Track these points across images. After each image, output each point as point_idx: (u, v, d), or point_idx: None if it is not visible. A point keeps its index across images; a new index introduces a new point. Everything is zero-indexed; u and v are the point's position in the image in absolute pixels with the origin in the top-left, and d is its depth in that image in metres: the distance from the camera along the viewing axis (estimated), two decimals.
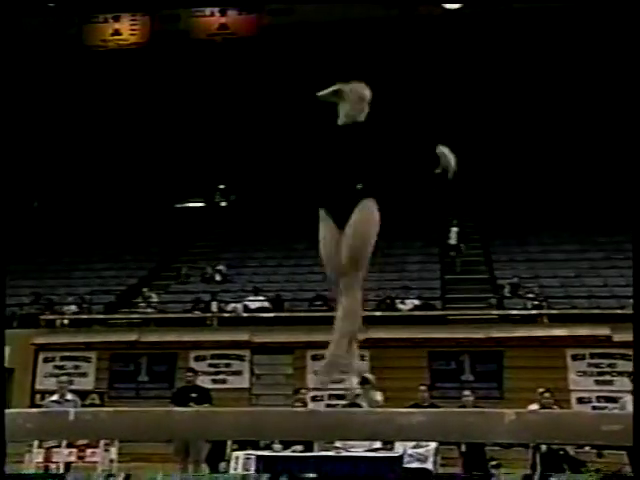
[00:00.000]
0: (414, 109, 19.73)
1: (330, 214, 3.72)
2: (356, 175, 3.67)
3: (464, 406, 9.24)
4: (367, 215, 3.65)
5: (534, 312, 14.23)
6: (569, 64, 18.56)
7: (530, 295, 14.62)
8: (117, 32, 19.45)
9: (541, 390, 9.86)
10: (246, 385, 13.94)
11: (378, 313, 14.56)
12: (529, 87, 19.16)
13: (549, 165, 19.06)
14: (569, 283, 15.79)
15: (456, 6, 18.34)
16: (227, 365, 14.04)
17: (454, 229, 17.93)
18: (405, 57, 18.81)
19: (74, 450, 10.10)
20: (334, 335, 3.66)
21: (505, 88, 19.35)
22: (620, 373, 12.42)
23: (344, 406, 9.99)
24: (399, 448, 8.76)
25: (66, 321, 15.30)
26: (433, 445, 8.90)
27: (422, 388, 10.12)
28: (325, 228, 3.75)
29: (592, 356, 13.10)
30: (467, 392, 10.02)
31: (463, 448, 9.21)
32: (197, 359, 13.94)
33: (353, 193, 3.65)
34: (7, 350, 14.38)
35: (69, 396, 10.00)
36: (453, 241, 17.78)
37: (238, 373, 13.98)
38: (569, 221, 17.83)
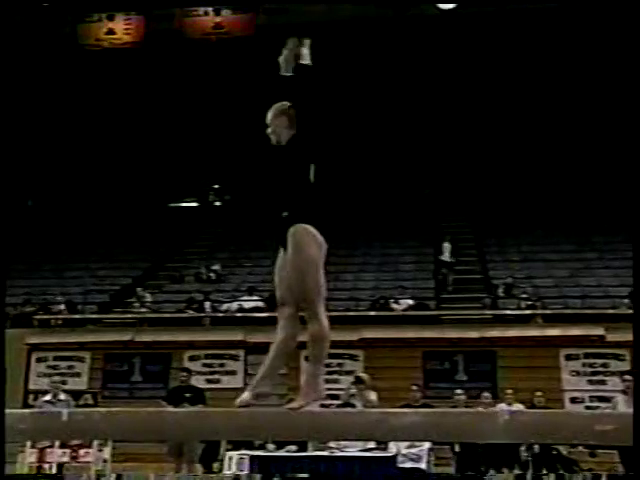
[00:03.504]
0: (407, 109, 19.81)
1: (275, 240, 3.72)
2: (282, 202, 3.66)
3: (456, 405, 9.26)
4: (297, 249, 3.60)
5: (528, 312, 14.24)
6: (563, 64, 18.60)
7: (524, 295, 14.65)
8: (111, 31, 19.40)
9: (509, 391, 9.94)
10: (240, 385, 13.89)
11: (372, 313, 14.58)
12: (521, 87, 19.19)
13: (544, 165, 19.12)
14: (563, 283, 15.83)
15: (450, 6, 18.35)
16: (221, 365, 14.01)
17: (446, 245, 17.29)
18: (399, 57, 18.83)
19: (67, 450, 10.08)
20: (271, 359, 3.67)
21: (497, 89, 19.38)
22: (613, 373, 12.45)
23: (338, 406, 9.99)
24: (393, 448, 8.77)
25: (60, 321, 15.26)
26: (427, 445, 8.91)
27: (414, 388, 10.13)
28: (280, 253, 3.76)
29: (586, 356, 13.13)
30: (459, 391, 10.04)
31: (457, 448, 9.22)
32: (191, 359, 13.92)
33: (281, 221, 3.65)
34: None
35: (62, 396, 9.97)
36: (446, 258, 17.06)
37: (232, 373, 13.96)
38: (564, 221, 17.87)
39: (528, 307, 14.37)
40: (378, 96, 19.43)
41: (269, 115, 3.84)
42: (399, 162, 20.00)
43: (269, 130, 3.83)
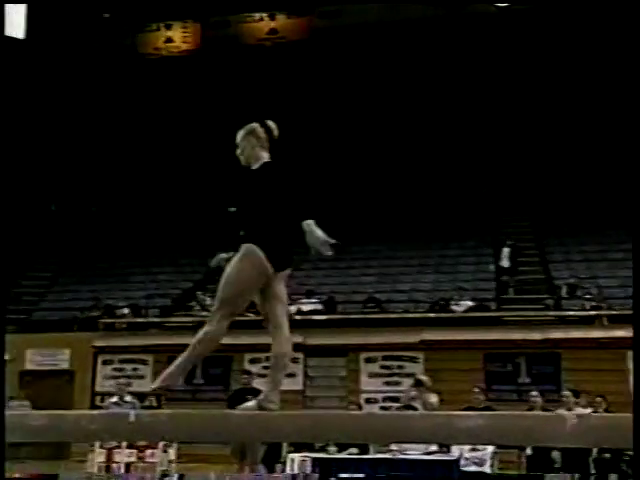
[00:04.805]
0: (466, 108, 19.59)
1: None
2: (242, 222, 3.88)
3: (532, 408, 9.06)
4: (235, 262, 3.87)
5: (592, 313, 13.89)
6: (618, 59, 18.10)
7: (588, 296, 14.29)
8: (169, 40, 19.86)
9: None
10: (299, 387, 13.98)
11: (432, 315, 14.45)
12: (582, 85, 18.76)
13: (606, 162, 18.61)
14: (628, 283, 15.34)
15: (504, 4, 18.14)
16: None
17: (505, 250, 16.90)
18: (457, 55, 18.65)
19: (134, 451, 10.30)
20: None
21: (557, 86, 19.00)
22: None
23: (398, 408, 9.93)
24: (455, 451, 8.67)
25: (124, 324, 15.63)
26: (490, 448, 8.77)
27: (476, 390, 9.98)
28: None
29: None
30: (535, 393, 9.74)
31: (529, 451, 8.99)
32: (252, 362, 14.05)
33: (238, 239, 3.87)
34: (68, 353, 14.84)
35: (128, 398, 10.19)
36: (505, 263, 16.65)
37: (292, 375, 13.99)
38: (627, 218, 17.32)
39: (592, 308, 14.01)
40: (434, 95, 19.28)
41: (238, 136, 3.92)
42: (458, 162, 19.78)
43: (238, 151, 3.91)
